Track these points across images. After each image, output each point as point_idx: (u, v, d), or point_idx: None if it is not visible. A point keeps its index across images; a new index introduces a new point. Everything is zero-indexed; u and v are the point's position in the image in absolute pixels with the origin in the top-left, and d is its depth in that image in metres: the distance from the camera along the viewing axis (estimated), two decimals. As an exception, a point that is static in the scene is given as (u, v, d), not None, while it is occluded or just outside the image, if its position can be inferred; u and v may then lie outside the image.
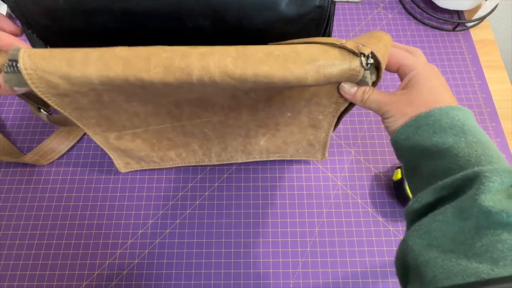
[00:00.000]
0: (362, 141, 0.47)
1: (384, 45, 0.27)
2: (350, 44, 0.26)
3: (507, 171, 0.21)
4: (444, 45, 0.54)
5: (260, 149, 0.42)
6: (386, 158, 0.46)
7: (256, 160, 0.44)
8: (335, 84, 0.30)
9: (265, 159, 0.44)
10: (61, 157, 0.46)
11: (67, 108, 0.31)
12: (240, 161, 0.44)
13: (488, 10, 0.54)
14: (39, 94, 0.27)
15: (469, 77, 0.51)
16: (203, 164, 0.44)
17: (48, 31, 0.30)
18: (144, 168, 0.44)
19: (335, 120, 0.36)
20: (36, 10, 0.28)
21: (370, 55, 0.26)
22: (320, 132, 0.39)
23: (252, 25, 0.29)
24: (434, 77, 0.27)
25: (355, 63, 0.26)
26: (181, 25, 0.29)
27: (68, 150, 0.46)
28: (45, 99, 0.28)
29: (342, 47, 0.26)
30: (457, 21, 0.55)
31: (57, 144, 0.45)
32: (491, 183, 0.20)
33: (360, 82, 0.28)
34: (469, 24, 0.55)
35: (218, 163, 0.44)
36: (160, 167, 0.44)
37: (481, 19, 0.54)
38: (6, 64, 0.26)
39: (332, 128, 0.38)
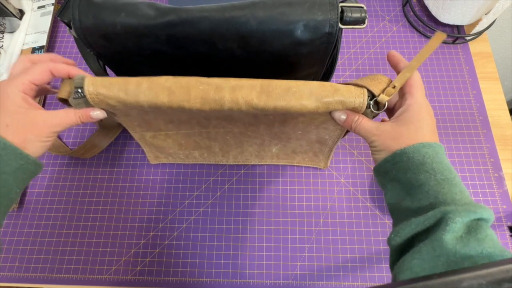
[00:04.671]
0: (364, 144, 0.53)
1: (382, 86, 0.32)
2: (357, 90, 0.31)
3: (466, 210, 0.25)
4: (443, 56, 0.59)
5: (272, 155, 0.48)
6: (385, 160, 0.52)
7: (267, 163, 0.50)
8: None
9: (275, 163, 0.50)
10: (102, 151, 0.53)
11: (118, 115, 0.37)
12: (253, 163, 0.50)
13: (486, 25, 0.58)
14: (99, 108, 0.34)
15: (465, 87, 0.56)
16: (221, 163, 0.51)
17: (104, 50, 0.37)
18: (171, 162, 0.51)
19: (340, 139, 0.42)
20: (97, 34, 0.35)
21: (370, 97, 0.31)
22: (325, 147, 0.45)
23: (272, 47, 0.35)
24: (426, 115, 0.30)
25: (358, 102, 0.31)
26: (213, 47, 0.35)
27: (108, 146, 0.53)
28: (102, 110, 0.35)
29: (349, 87, 0.31)
30: (457, 35, 0.60)
31: (99, 141, 0.52)
32: (454, 224, 0.24)
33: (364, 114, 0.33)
34: (468, 38, 0.59)
35: (234, 163, 0.51)
36: (184, 162, 0.51)
37: (479, 33, 0.59)
38: (73, 91, 0.33)
39: (335, 145, 0.44)
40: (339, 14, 0.32)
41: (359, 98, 0.31)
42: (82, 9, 0.33)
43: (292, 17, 0.32)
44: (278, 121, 0.39)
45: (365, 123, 0.32)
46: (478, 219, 0.26)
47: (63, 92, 0.34)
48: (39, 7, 0.62)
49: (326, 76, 0.43)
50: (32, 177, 0.32)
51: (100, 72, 0.42)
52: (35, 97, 0.34)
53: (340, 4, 0.33)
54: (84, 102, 0.33)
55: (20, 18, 0.61)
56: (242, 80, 0.32)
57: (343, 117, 0.32)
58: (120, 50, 0.36)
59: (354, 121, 0.32)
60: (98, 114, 0.34)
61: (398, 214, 0.30)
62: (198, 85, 0.32)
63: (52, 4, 0.62)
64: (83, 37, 0.35)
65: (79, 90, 0.33)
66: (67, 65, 0.34)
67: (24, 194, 0.51)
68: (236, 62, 0.37)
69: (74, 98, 0.33)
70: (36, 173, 0.32)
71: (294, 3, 0.32)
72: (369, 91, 0.31)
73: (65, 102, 0.35)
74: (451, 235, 0.24)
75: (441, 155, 0.29)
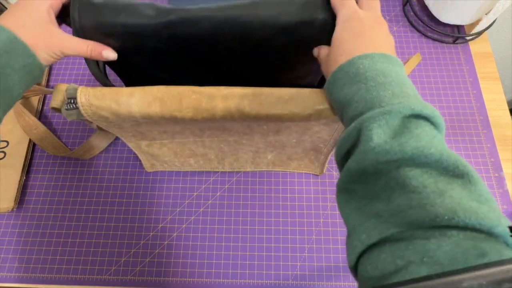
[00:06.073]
0: (364, 144, 0.53)
1: None
2: None
3: (381, 113, 0.22)
4: (444, 56, 0.59)
5: (267, 162, 0.48)
6: (385, 160, 0.52)
7: (263, 170, 0.50)
8: (334, 126, 0.35)
9: (271, 170, 0.50)
10: (101, 152, 0.53)
11: (111, 127, 0.38)
12: (249, 170, 0.50)
13: (487, 25, 0.58)
14: (92, 121, 0.34)
15: (465, 87, 0.56)
16: (217, 170, 0.51)
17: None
18: (167, 169, 0.51)
19: (334, 147, 0.42)
20: (97, 34, 0.34)
21: None
22: (320, 155, 0.45)
23: (273, 45, 0.35)
24: (353, 26, 0.28)
25: None
26: (214, 46, 0.35)
27: (107, 146, 0.53)
28: (96, 123, 0.35)
29: None
30: (457, 35, 0.60)
31: (98, 142, 0.52)
32: (369, 131, 0.22)
33: None
34: (468, 38, 0.59)
35: (229, 170, 0.50)
36: (180, 170, 0.51)
37: (480, 33, 0.59)
38: (66, 102, 0.32)
39: (331, 153, 0.44)
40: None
41: None
42: (82, 10, 0.33)
43: (294, 16, 0.32)
44: (272, 131, 0.39)
45: (322, 52, 0.32)
46: (407, 118, 0.23)
47: (56, 102, 0.33)
48: (38, 7, 0.62)
49: None
50: (34, 82, 0.32)
51: (99, 74, 0.42)
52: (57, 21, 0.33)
53: None
54: (77, 113, 0.33)
55: (20, 18, 0.61)
56: (234, 89, 0.32)
57: (316, 52, 0.33)
58: (121, 50, 0.36)
59: (321, 54, 0.32)
60: (109, 54, 0.34)
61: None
62: (190, 95, 0.31)
63: (52, 4, 0.62)
64: (83, 37, 0.35)
65: (72, 101, 0.32)
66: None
67: (23, 194, 0.51)
68: (237, 61, 0.37)
69: (66, 109, 0.33)
70: (38, 79, 0.32)
71: (296, 2, 0.32)
72: None
73: (58, 111, 0.35)
74: (372, 144, 0.22)
75: (382, 64, 0.26)
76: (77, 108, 0.32)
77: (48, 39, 0.31)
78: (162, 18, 0.32)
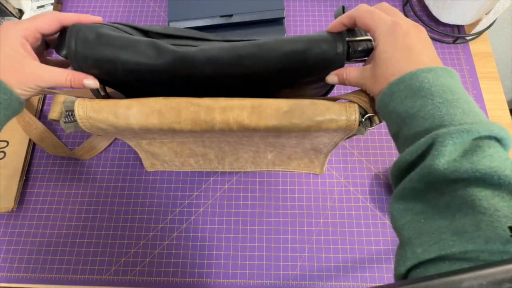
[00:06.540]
0: (365, 144, 0.53)
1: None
2: (349, 108, 0.31)
3: (458, 131, 0.22)
4: (444, 56, 0.59)
5: (267, 161, 0.48)
6: (385, 160, 0.52)
7: (263, 170, 0.50)
8: (334, 133, 0.35)
9: (271, 169, 0.50)
10: (101, 152, 0.53)
11: (111, 135, 0.37)
12: (249, 170, 0.50)
13: (487, 25, 0.58)
14: (91, 132, 0.34)
15: (465, 87, 0.56)
16: (217, 170, 0.51)
17: (102, 82, 0.35)
18: (167, 169, 0.51)
19: (334, 148, 0.42)
20: (96, 71, 0.33)
21: (362, 114, 0.31)
22: (320, 154, 0.45)
23: (277, 81, 0.34)
24: (400, 41, 0.27)
25: (351, 119, 0.31)
26: (218, 83, 0.34)
27: (107, 147, 0.53)
28: (95, 133, 0.35)
29: (341, 104, 0.31)
30: (457, 35, 0.60)
31: (98, 142, 0.52)
32: (444, 147, 0.22)
33: (357, 131, 0.33)
34: (468, 38, 0.59)
35: (230, 170, 0.50)
36: (180, 170, 0.51)
37: (480, 33, 0.59)
38: (64, 115, 0.32)
39: (330, 152, 0.44)
40: (345, 50, 0.32)
41: (352, 115, 0.31)
42: (79, 49, 0.31)
43: (299, 56, 0.31)
44: (272, 134, 0.39)
45: (352, 75, 0.31)
46: (480, 138, 0.23)
47: (54, 113, 0.33)
48: (38, 7, 0.62)
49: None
50: (15, 115, 0.31)
51: (100, 96, 0.41)
52: (42, 49, 0.33)
53: (347, 39, 0.32)
54: (75, 126, 0.33)
55: (20, 18, 0.61)
56: (232, 100, 0.32)
57: (336, 80, 0.32)
58: (120, 83, 0.36)
59: (345, 78, 0.32)
60: (90, 83, 0.33)
61: (398, 145, 0.28)
62: (189, 107, 0.31)
63: (52, 4, 0.62)
64: (81, 71, 0.34)
65: (70, 114, 0.32)
66: (77, 14, 0.33)
67: (23, 194, 0.51)
68: (239, 90, 0.36)
69: (64, 122, 0.33)
70: (18, 112, 0.31)
71: (299, 41, 0.31)
72: (361, 107, 0.31)
73: (57, 121, 0.34)
74: (442, 160, 0.22)
75: (444, 79, 0.25)
76: (75, 121, 0.32)
77: (20, 75, 0.30)
78: (163, 59, 0.31)
